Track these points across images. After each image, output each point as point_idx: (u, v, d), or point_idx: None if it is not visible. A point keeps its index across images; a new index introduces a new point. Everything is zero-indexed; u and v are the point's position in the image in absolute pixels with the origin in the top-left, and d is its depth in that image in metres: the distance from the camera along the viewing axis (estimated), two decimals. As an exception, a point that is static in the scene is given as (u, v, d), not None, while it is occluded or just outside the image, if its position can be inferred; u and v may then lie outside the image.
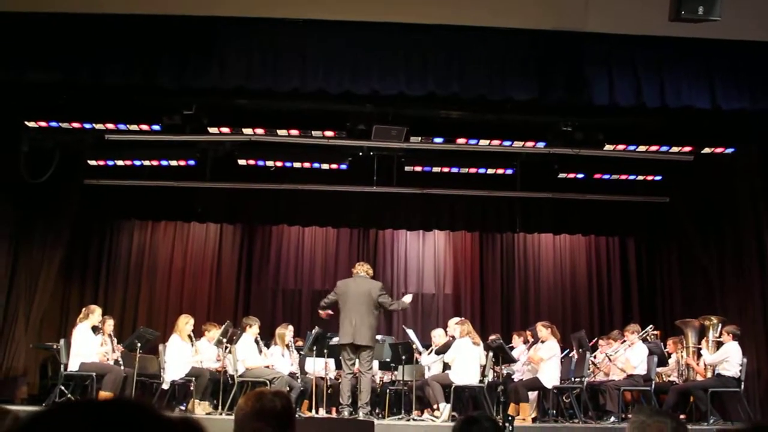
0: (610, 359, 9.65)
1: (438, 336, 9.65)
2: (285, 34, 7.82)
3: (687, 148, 10.09)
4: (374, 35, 7.88)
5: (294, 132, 9.85)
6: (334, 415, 8.93)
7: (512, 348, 10.22)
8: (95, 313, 9.06)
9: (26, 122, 9.53)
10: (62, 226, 10.55)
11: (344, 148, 10.36)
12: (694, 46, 7.97)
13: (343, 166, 10.53)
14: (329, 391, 9.46)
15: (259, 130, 9.84)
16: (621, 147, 10.01)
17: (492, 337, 10.07)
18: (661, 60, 7.99)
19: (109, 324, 9.41)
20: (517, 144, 10.02)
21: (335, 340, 9.12)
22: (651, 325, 10.23)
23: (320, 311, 8.84)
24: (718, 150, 9.99)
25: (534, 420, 9.12)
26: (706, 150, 10.03)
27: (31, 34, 7.63)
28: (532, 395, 9.42)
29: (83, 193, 10.95)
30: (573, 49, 7.90)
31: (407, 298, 8.95)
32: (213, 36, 7.77)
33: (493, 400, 9.15)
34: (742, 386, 8.91)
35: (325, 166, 10.62)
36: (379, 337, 9.37)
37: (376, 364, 9.58)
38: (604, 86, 7.90)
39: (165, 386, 9.11)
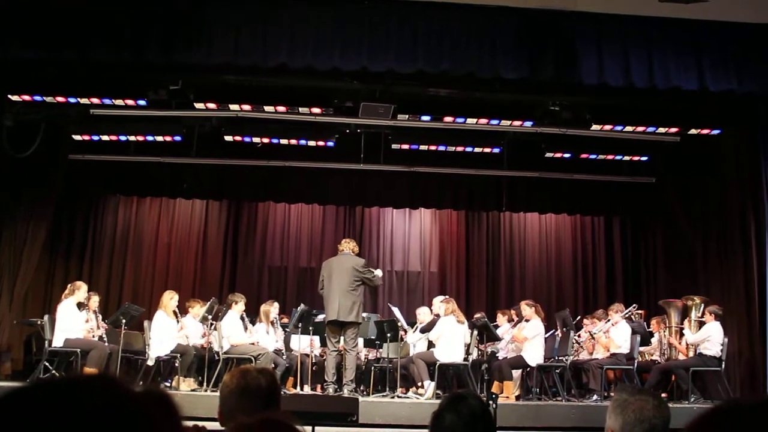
0: (593, 337, 9.73)
1: (423, 314, 9.68)
2: (273, 10, 7.75)
3: (674, 129, 10.12)
4: (363, 11, 7.83)
5: (281, 108, 9.79)
6: (318, 392, 8.97)
7: (497, 326, 10.27)
8: (81, 290, 9.02)
9: (9, 96, 9.41)
10: (47, 201, 10.44)
11: (331, 125, 10.33)
12: (683, 26, 7.97)
13: (330, 143, 10.49)
14: (314, 368, 9.49)
15: (246, 107, 9.77)
16: (608, 127, 10.02)
17: (477, 315, 10.11)
18: (650, 40, 8.00)
19: (94, 300, 9.38)
20: (505, 123, 10.01)
21: (321, 317, 9.14)
22: (634, 305, 10.31)
23: (321, 292, 8.83)
24: (705, 131, 10.03)
25: (517, 398, 9.19)
26: (693, 131, 10.06)
27: (15, 9, 7.51)
28: (516, 373, 9.49)
29: (68, 168, 10.84)
30: (563, 28, 7.89)
31: (378, 272, 9.01)
32: (200, 11, 7.69)
33: (477, 378, 9.21)
34: (723, 365, 9.02)
35: (311, 143, 10.57)
36: (364, 314, 9.39)
37: (360, 341, 9.62)
38: (594, 65, 7.90)
39: (150, 362, 9.11)
